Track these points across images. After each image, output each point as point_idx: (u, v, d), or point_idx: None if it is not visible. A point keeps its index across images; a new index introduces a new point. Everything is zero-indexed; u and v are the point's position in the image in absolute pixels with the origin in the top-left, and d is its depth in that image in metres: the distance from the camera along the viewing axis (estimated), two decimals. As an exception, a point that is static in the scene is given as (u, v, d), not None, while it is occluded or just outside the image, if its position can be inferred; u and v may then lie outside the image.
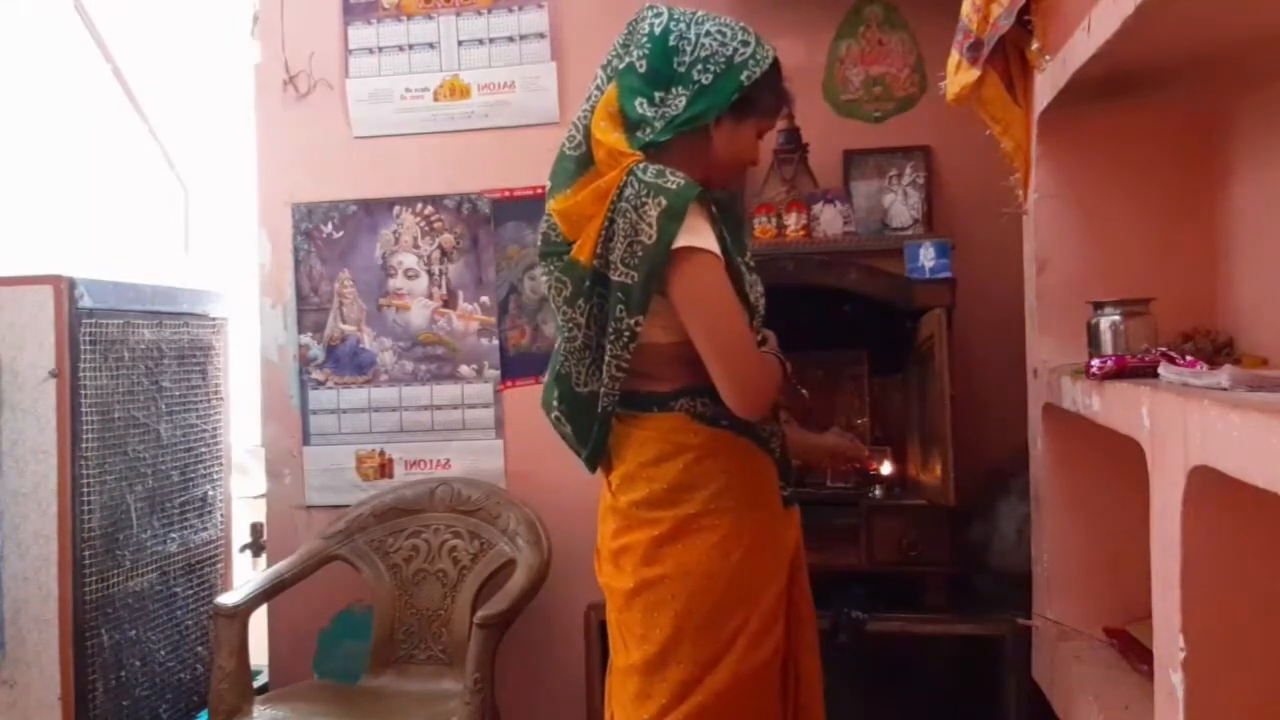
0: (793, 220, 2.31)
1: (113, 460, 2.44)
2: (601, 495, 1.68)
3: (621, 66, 1.54)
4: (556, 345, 1.64)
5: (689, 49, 1.52)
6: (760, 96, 1.57)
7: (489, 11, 2.72)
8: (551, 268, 1.57)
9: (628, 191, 1.44)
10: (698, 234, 1.45)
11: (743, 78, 1.53)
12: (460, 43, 2.73)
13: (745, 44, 1.54)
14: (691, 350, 1.48)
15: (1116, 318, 1.44)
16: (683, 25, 1.53)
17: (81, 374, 2.34)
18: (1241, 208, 1.57)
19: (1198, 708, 1.01)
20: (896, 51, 2.59)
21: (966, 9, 1.74)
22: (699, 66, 1.52)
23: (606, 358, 1.50)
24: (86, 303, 2.37)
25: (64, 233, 3.14)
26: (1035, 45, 1.59)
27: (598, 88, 1.57)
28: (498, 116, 2.71)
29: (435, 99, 2.74)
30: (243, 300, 2.97)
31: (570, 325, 1.55)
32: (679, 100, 1.52)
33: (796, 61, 2.61)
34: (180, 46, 3.38)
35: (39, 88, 3.13)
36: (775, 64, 1.59)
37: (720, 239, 1.49)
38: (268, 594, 2.43)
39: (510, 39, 2.71)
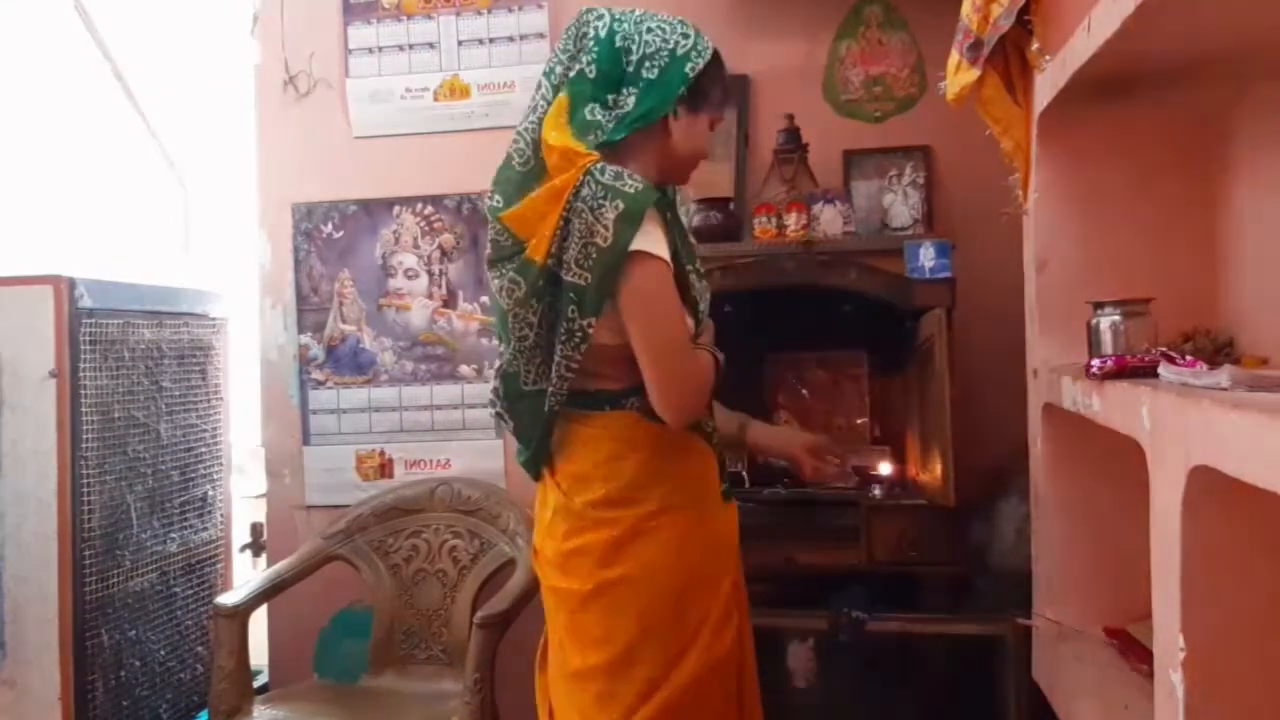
0: (793, 220, 2.31)
1: (113, 460, 2.44)
2: (542, 496, 1.66)
3: (572, 74, 1.54)
4: (500, 350, 1.63)
5: (635, 48, 1.53)
6: (709, 88, 1.59)
7: (489, 11, 2.72)
8: (503, 270, 1.54)
9: (584, 192, 1.44)
10: (651, 239, 1.46)
11: (687, 69, 1.54)
12: (460, 43, 2.74)
13: (685, 36, 1.56)
14: None
15: (1116, 318, 1.43)
16: (627, 25, 1.54)
17: (81, 374, 2.34)
18: (1241, 207, 1.57)
19: (1198, 708, 1.01)
20: (896, 51, 2.59)
21: (966, 9, 1.73)
22: (646, 64, 1.52)
23: (557, 357, 1.50)
24: (86, 303, 2.37)
25: (64, 233, 3.14)
26: (1035, 45, 1.59)
27: (544, 98, 1.56)
28: (498, 116, 2.71)
29: (435, 99, 2.74)
30: (243, 300, 2.97)
31: (521, 325, 1.54)
32: (629, 99, 1.52)
33: (796, 61, 2.62)
34: (180, 46, 3.38)
35: (39, 87, 3.13)
36: (716, 56, 1.60)
37: (671, 245, 1.50)
38: (268, 594, 2.43)
39: (510, 39, 2.71)
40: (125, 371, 2.49)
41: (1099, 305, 1.47)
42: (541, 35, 2.69)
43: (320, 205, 2.79)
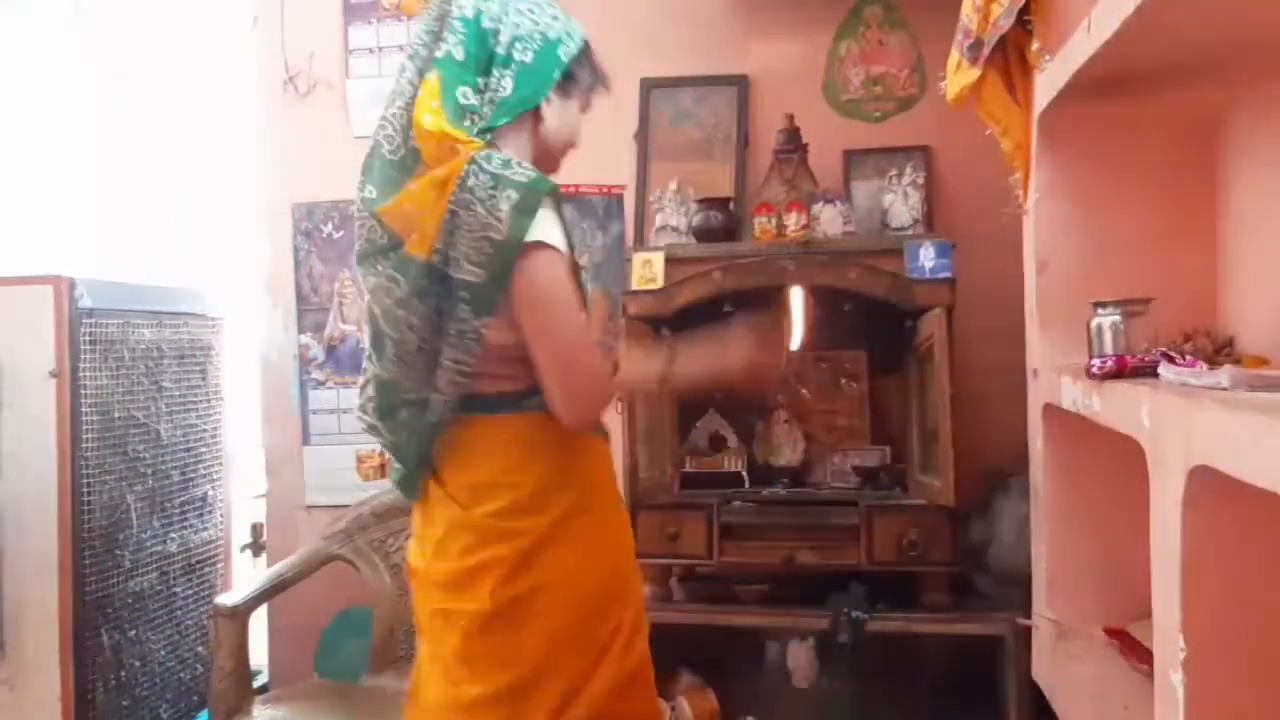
0: (793, 220, 2.31)
1: (113, 460, 2.44)
2: (425, 513, 1.53)
3: (439, 56, 1.48)
4: (368, 353, 1.54)
5: (503, 29, 1.47)
6: (579, 73, 1.54)
7: (489, 11, 2.72)
8: (378, 268, 1.46)
9: (471, 181, 1.37)
10: (547, 228, 1.39)
11: (560, 53, 1.50)
12: (460, 43, 2.73)
13: (555, 19, 1.51)
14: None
15: (1116, 318, 1.43)
16: (495, 6, 1.48)
17: (81, 374, 2.34)
18: (1242, 207, 1.57)
19: (1198, 708, 1.01)
20: (896, 51, 2.59)
21: (967, 9, 1.73)
22: (517, 45, 1.47)
23: (445, 361, 1.42)
24: (86, 303, 2.37)
25: (64, 233, 3.14)
26: (1035, 45, 1.59)
27: (409, 81, 1.50)
28: (498, 116, 2.70)
29: (435, 99, 2.73)
30: (243, 300, 2.97)
31: (400, 327, 1.43)
32: (505, 83, 1.46)
33: (796, 61, 2.62)
34: (180, 46, 3.38)
35: (40, 88, 3.13)
36: (586, 40, 1.56)
37: (566, 235, 1.44)
38: (268, 594, 2.43)
39: (510, 39, 2.71)
40: (125, 371, 2.49)
41: (1099, 305, 1.47)
42: (541, 35, 2.69)
43: (320, 205, 2.79)
